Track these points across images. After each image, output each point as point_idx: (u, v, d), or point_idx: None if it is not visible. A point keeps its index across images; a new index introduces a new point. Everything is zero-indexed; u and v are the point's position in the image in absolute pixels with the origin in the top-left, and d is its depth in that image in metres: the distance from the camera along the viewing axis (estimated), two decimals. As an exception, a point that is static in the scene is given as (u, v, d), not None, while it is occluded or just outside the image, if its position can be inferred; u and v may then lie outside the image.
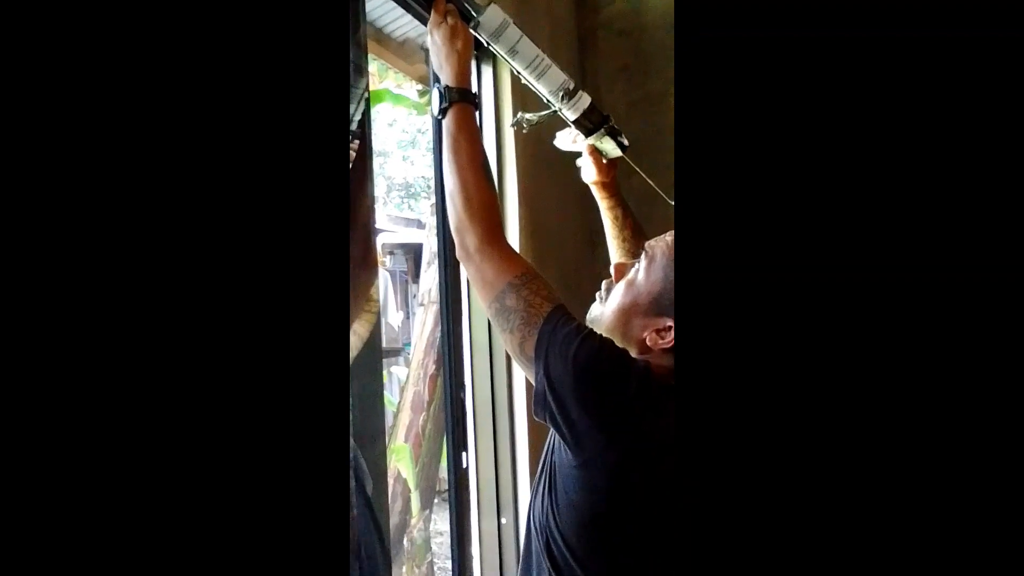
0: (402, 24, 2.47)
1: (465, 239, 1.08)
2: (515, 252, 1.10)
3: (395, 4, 1.58)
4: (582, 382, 0.96)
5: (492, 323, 1.09)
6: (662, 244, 1.08)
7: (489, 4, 1.22)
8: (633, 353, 1.05)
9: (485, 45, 1.26)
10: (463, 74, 1.16)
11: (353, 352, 1.19)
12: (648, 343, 1.05)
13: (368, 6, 1.33)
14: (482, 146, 1.15)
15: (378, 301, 1.28)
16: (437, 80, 1.19)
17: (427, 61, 1.64)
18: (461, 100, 1.14)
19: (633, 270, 1.10)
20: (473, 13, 1.21)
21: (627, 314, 1.07)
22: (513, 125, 1.38)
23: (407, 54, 2.58)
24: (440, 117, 1.15)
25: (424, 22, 1.53)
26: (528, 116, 1.35)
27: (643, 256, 1.09)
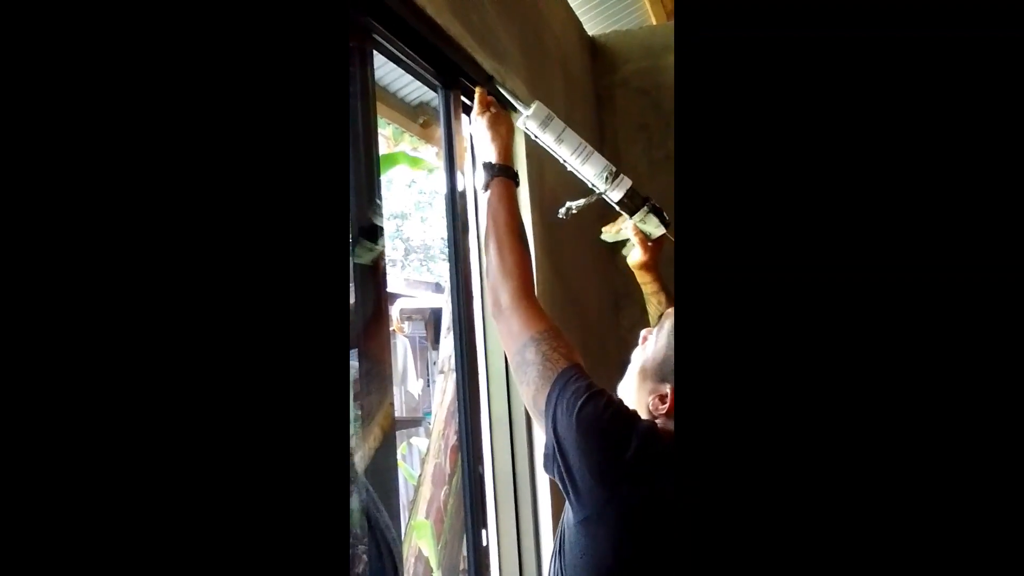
0: (414, 88, 2.46)
1: (499, 295, 1.15)
2: (542, 310, 1.15)
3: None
4: (584, 438, 0.99)
5: (514, 376, 1.15)
6: (672, 312, 1.14)
7: (534, 101, 1.36)
8: (643, 415, 1.07)
9: (532, 138, 1.39)
10: (505, 154, 1.30)
11: (376, 443, 1.22)
12: (649, 407, 1.08)
13: (380, 72, 1.34)
14: (519, 216, 1.25)
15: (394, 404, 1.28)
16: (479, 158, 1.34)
17: (437, 121, 1.65)
18: (502, 175, 1.26)
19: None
20: (520, 109, 1.37)
21: (636, 379, 1.12)
22: (562, 215, 1.46)
23: (419, 116, 2.57)
24: (484, 190, 1.27)
25: (432, 88, 1.56)
26: (575, 204, 1.44)
27: (657, 324, 1.15)
